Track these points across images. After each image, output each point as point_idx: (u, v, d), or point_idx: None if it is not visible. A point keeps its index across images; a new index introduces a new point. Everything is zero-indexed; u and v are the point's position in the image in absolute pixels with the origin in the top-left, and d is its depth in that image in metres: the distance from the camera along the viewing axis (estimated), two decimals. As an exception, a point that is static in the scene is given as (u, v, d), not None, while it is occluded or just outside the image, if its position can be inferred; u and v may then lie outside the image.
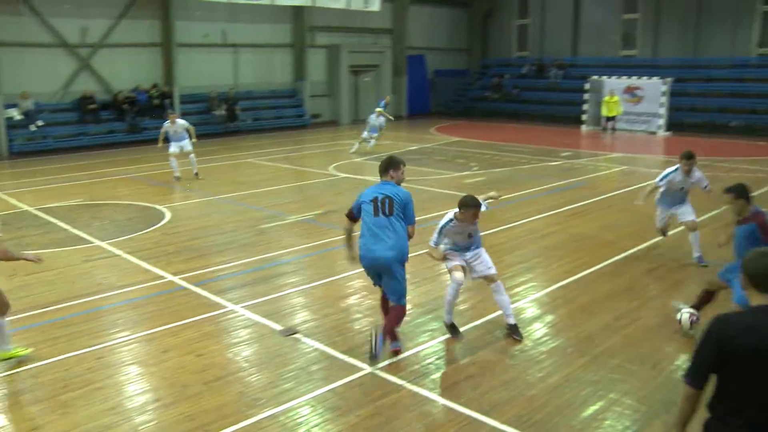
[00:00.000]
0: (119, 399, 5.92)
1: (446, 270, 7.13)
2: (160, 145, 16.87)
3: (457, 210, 6.76)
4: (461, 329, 7.24)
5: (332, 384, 6.10)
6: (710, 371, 3.29)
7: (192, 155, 16.65)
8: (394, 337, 6.64)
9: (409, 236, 6.44)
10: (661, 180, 9.58)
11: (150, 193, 15.05)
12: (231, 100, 26.54)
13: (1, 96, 21.30)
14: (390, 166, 6.56)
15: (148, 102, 24.48)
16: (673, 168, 9.49)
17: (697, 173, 9.41)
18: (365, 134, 21.66)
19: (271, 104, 28.78)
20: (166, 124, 16.62)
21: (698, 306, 7.12)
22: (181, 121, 16.65)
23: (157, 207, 13.47)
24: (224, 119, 26.23)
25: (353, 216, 6.58)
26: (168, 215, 12.81)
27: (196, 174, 16.71)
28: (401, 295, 6.50)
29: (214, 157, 17.48)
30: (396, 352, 6.61)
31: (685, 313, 7.05)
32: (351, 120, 30.90)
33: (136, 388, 6.15)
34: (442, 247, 7.08)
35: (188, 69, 25.81)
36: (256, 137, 25.70)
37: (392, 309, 6.59)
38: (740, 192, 6.35)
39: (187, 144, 16.51)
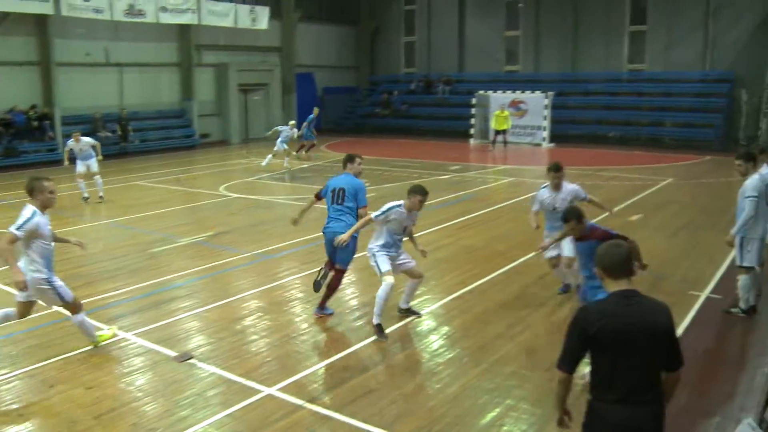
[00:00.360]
0: (1, 440, 5.58)
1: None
2: (66, 164, 16.47)
3: (401, 202, 7.63)
4: (356, 346, 7.35)
5: (230, 408, 5.97)
6: (578, 357, 3.70)
7: (98, 177, 16.15)
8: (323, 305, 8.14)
9: (360, 216, 7.84)
10: (533, 203, 8.88)
11: (30, 220, 14.25)
12: (123, 120, 25.75)
13: None
14: (349, 160, 8.23)
15: (26, 124, 23.30)
16: (543, 185, 8.79)
17: (569, 186, 8.54)
18: (282, 147, 21.57)
19: (159, 125, 28.07)
20: (70, 143, 16.14)
21: None
22: (86, 139, 16.18)
23: (38, 234, 12.77)
24: (117, 140, 25.40)
25: (319, 196, 8.30)
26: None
27: (101, 197, 16.21)
28: (346, 262, 8.08)
29: (102, 180, 16.85)
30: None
31: None
32: (241, 139, 30.54)
33: (19, 428, 5.78)
34: (375, 248, 7.66)
35: (70, 89, 24.79)
36: (144, 159, 24.95)
37: (336, 272, 8.09)
38: (579, 216, 6.54)
39: (93, 163, 16.04)
